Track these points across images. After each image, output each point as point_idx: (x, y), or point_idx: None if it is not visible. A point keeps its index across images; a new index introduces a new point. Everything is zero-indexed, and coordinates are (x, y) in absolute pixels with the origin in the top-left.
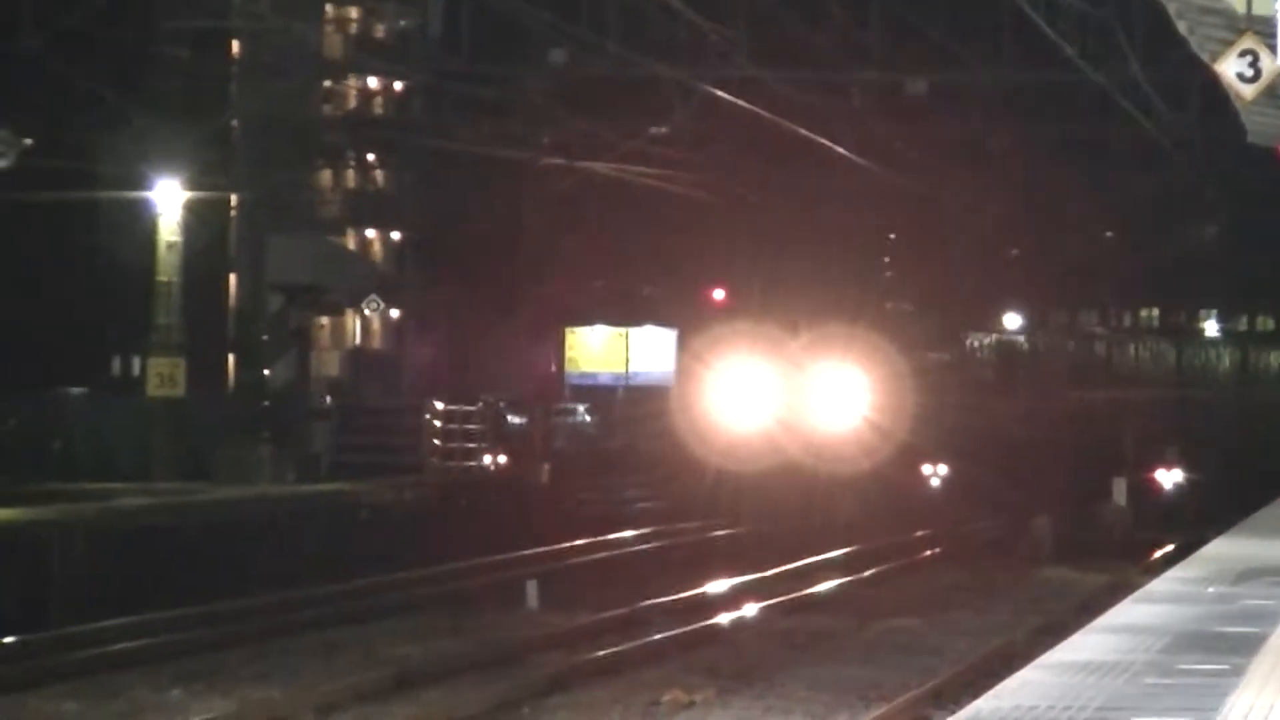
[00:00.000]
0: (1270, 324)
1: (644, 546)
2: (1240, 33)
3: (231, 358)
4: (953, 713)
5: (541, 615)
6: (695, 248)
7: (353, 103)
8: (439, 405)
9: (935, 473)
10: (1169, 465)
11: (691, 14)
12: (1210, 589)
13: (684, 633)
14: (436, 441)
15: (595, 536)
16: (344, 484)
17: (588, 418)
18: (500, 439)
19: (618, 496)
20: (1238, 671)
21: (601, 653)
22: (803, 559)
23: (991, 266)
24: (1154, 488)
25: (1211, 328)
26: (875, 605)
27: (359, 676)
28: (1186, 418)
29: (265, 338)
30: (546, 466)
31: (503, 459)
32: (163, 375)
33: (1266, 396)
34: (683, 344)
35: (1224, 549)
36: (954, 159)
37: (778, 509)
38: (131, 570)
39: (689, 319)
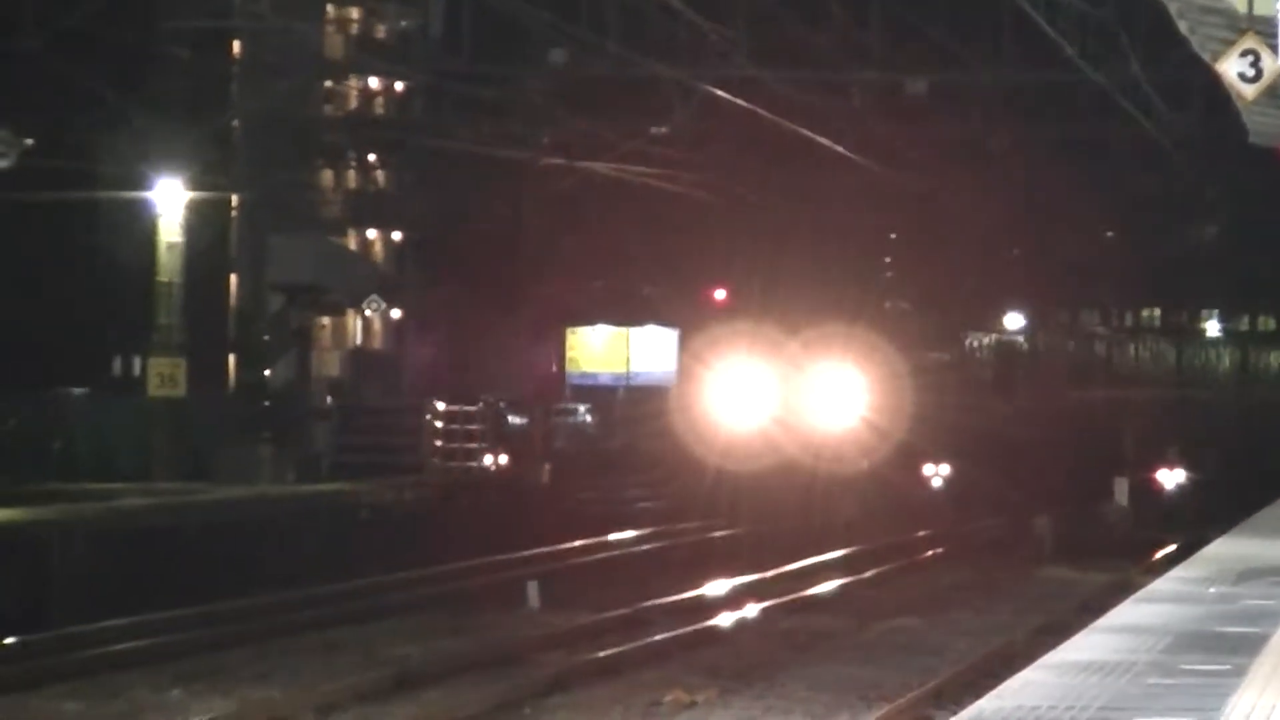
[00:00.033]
0: (1271, 324)
1: (645, 547)
2: (1241, 32)
3: (232, 358)
4: (954, 713)
5: (542, 615)
6: (696, 247)
7: (354, 103)
8: (440, 405)
9: (937, 473)
10: (1170, 465)
11: (691, 14)
12: (1212, 589)
13: (685, 633)
14: (437, 442)
15: (596, 536)
16: (344, 484)
17: (588, 418)
18: (501, 439)
19: (618, 496)
20: (1239, 671)
21: (603, 653)
22: (803, 559)
23: (991, 266)
24: (1155, 487)
25: (1213, 328)
26: (876, 605)
27: (359, 676)
28: (1187, 417)
29: (266, 338)
30: (547, 466)
31: (503, 459)
32: (163, 375)
33: (1267, 396)
34: (683, 344)
35: (1225, 549)
36: (954, 159)
37: (777, 509)
38: (132, 570)
39: (690, 319)
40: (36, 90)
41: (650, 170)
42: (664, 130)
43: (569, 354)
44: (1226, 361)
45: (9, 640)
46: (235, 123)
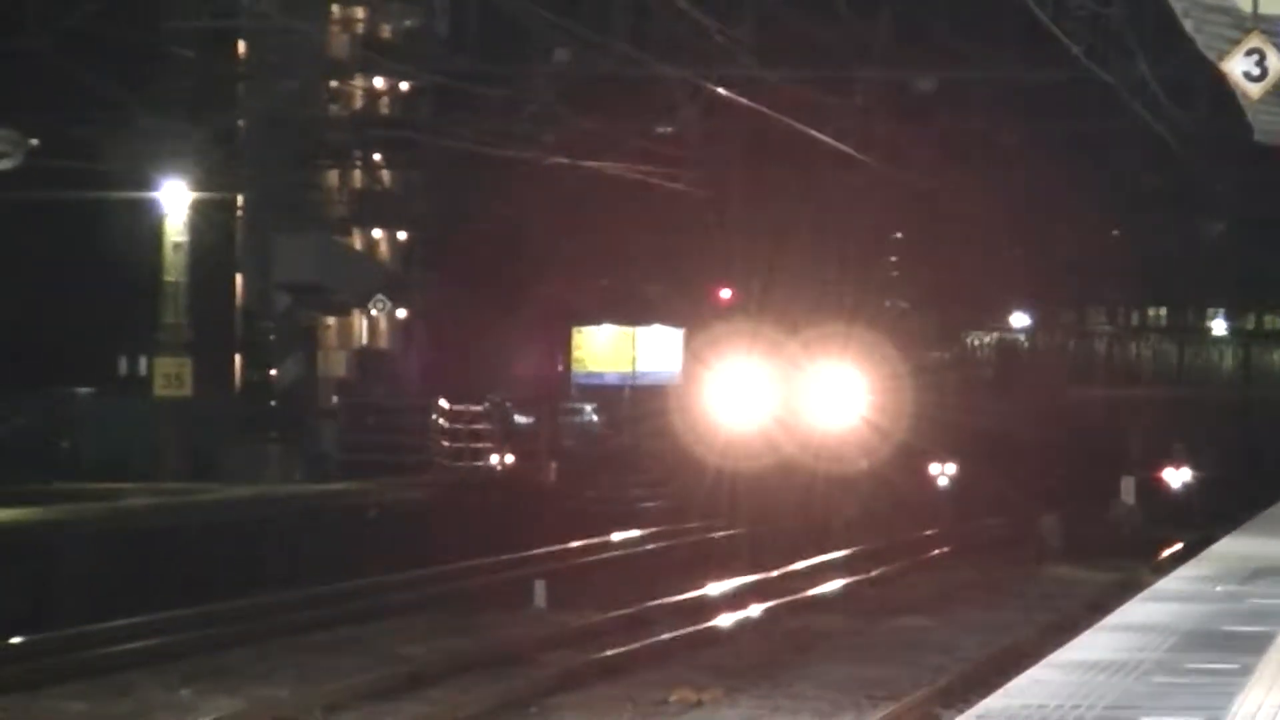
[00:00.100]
0: (1277, 322)
1: (651, 546)
2: (1247, 31)
3: (238, 357)
4: (962, 711)
5: (549, 614)
6: (701, 246)
7: (359, 102)
8: (446, 405)
9: (943, 472)
10: (1177, 463)
11: (697, 13)
12: (1219, 588)
13: (692, 632)
14: (444, 441)
15: (602, 536)
16: (351, 483)
17: (595, 417)
18: (507, 438)
19: (625, 496)
20: (1246, 670)
21: (609, 652)
22: (809, 558)
23: (995, 264)
24: (1162, 486)
25: (1219, 326)
26: (884, 604)
27: (366, 675)
28: (1194, 416)
29: (272, 337)
30: (554, 466)
31: (510, 458)
32: (169, 375)
33: (1273, 394)
34: (685, 343)
35: (1233, 547)
36: (960, 156)
37: (778, 509)
38: (139, 570)
39: (696, 318)
40: (41, 90)
41: (656, 169)
42: (669, 129)
43: (575, 353)
44: (1230, 360)
45: (17, 640)
46: (240, 122)
